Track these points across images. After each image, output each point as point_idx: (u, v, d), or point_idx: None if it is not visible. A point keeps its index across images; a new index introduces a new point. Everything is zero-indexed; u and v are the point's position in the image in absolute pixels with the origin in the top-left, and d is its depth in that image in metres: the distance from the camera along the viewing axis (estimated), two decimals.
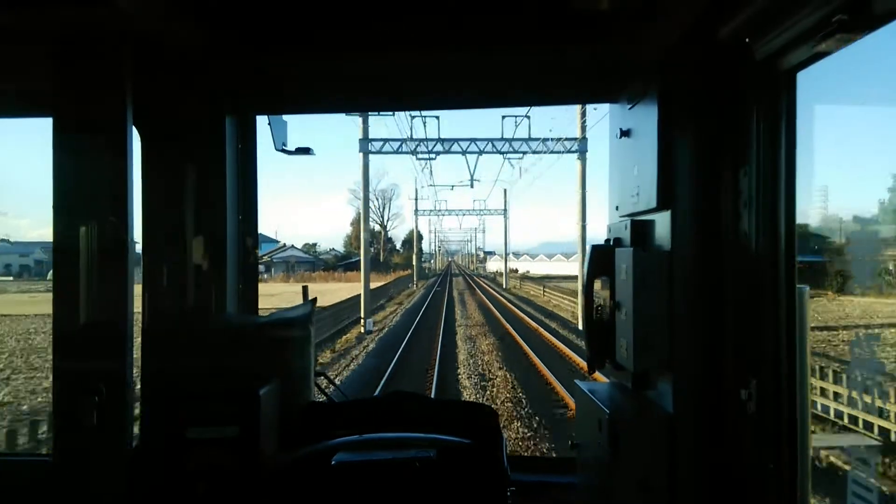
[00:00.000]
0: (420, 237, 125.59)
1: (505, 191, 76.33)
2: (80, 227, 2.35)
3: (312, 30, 2.48)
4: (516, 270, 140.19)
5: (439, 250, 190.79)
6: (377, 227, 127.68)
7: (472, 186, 43.99)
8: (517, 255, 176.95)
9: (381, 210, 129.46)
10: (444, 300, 47.89)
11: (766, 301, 1.81)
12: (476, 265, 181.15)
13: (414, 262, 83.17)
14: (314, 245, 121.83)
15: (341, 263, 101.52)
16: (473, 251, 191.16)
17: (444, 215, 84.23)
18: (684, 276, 2.05)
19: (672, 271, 2.09)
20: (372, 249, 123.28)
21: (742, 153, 1.88)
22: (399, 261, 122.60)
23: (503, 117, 32.55)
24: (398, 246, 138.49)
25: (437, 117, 31.68)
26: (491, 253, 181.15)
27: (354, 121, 32.11)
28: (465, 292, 62.19)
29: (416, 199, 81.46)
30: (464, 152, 33.89)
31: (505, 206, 79.65)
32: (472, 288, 71.27)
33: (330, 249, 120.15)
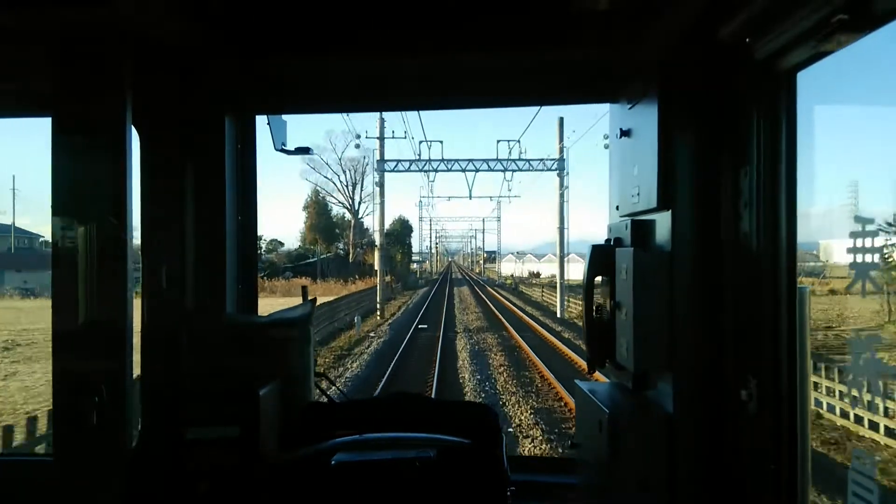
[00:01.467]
0: (407, 227, 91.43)
1: (561, 120, 37.97)
2: (80, 227, 2.35)
3: (312, 30, 2.48)
4: (538, 274, 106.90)
5: (437, 247, 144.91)
6: (346, 214, 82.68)
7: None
8: (521, 254, 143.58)
9: (351, 188, 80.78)
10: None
11: (767, 301, 1.80)
12: (482, 267, 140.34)
13: (377, 263, 40.47)
14: (261, 239, 68.27)
15: (290, 266, 67.22)
16: (481, 248, 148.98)
17: (438, 171, 39.55)
18: (685, 276, 2.05)
19: (672, 271, 2.09)
20: (340, 245, 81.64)
21: (742, 153, 1.88)
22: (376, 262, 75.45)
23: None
24: (379, 240, 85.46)
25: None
26: (493, 252, 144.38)
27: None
28: (490, 349, 22.58)
29: (382, 139, 38.87)
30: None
31: (561, 152, 37.67)
32: (497, 325, 30.56)
33: (298, 247, 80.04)
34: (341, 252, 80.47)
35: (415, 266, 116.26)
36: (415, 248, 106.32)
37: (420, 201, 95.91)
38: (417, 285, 78.92)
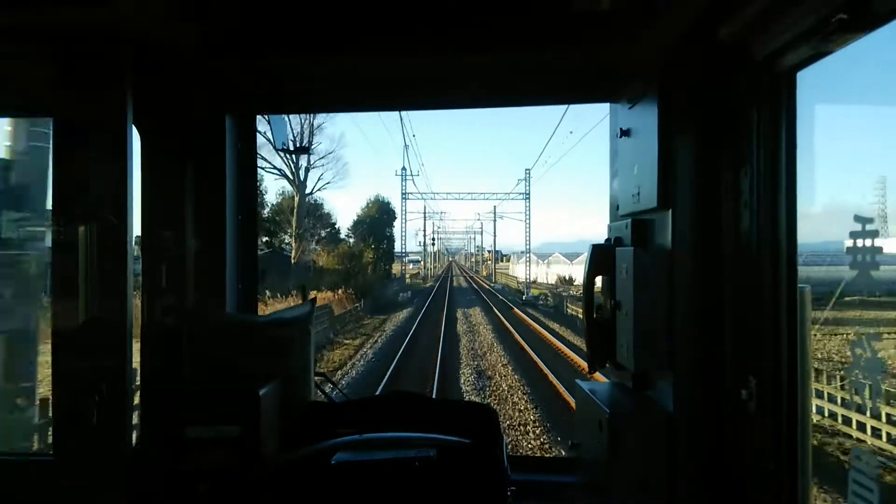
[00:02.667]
0: (388, 212, 61.69)
1: None
2: (80, 226, 2.36)
3: (312, 30, 2.48)
4: (570, 280, 73.32)
5: (434, 237, 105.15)
6: (292, 192, 50.44)
7: None
8: (542, 256, 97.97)
9: (296, 150, 49.12)
10: None
11: (767, 301, 1.80)
12: (492, 269, 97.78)
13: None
14: None
15: None
16: (481, 247, 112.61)
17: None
18: (685, 275, 2.05)
19: (672, 271, 2.09)
20: (286, 238, 50.05)
21: (742, 153, 1.88)
22: (332, 264, 47.47)
23: None
24: (345, 230, 60.55)
25: None
26: (498, 253, 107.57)
27: None
28: None
29: None
30: None
31: None
32: None
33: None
34: (286, 248, 50.16)
35: (410, 266, 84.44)
36: (398, 247, 69.25)
37: (403, 171, 64.60)
38: (398, 302, 47.92)
